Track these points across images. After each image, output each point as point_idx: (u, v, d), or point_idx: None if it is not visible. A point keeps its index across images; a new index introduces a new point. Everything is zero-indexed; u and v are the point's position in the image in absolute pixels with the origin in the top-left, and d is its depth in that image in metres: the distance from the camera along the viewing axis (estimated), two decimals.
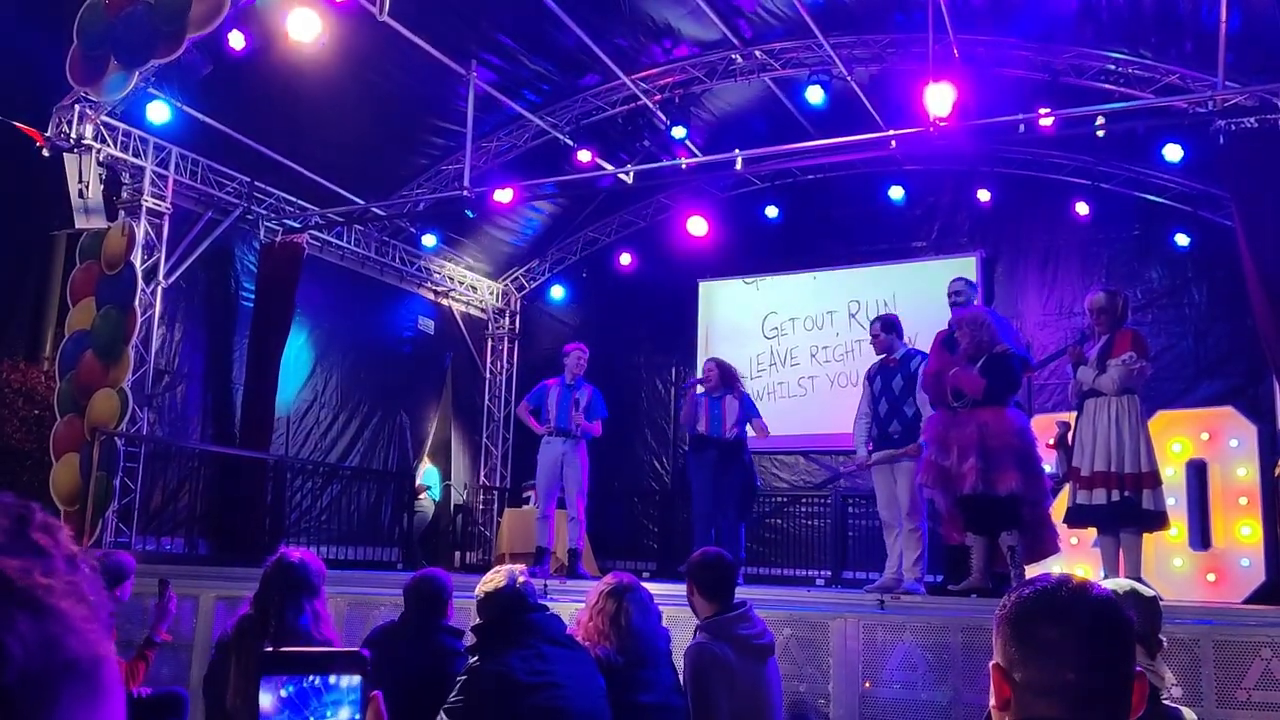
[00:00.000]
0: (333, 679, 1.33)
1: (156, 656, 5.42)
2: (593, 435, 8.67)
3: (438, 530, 12.74)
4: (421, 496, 11.97)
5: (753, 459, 8.45)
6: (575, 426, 8.50)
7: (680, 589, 4.51)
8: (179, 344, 10.19)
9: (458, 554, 13.00)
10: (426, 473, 12.40)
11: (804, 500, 12.04)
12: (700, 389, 8.43)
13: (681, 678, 4.09)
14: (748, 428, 8.29)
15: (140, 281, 9.36)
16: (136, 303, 9.24)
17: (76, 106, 8.93)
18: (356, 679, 1.36)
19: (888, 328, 7.29)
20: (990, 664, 1.49)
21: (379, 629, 4.51)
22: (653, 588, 4.40)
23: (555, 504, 8.69)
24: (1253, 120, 8.18)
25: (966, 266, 11.67)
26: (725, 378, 8.33)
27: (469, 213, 11.70)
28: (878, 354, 7.32)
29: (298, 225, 11.14)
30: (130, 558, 5.38)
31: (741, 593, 4.25)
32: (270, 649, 3.20)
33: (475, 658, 3.63)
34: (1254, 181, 7.98)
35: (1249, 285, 7.96)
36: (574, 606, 5.25)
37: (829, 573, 11.17)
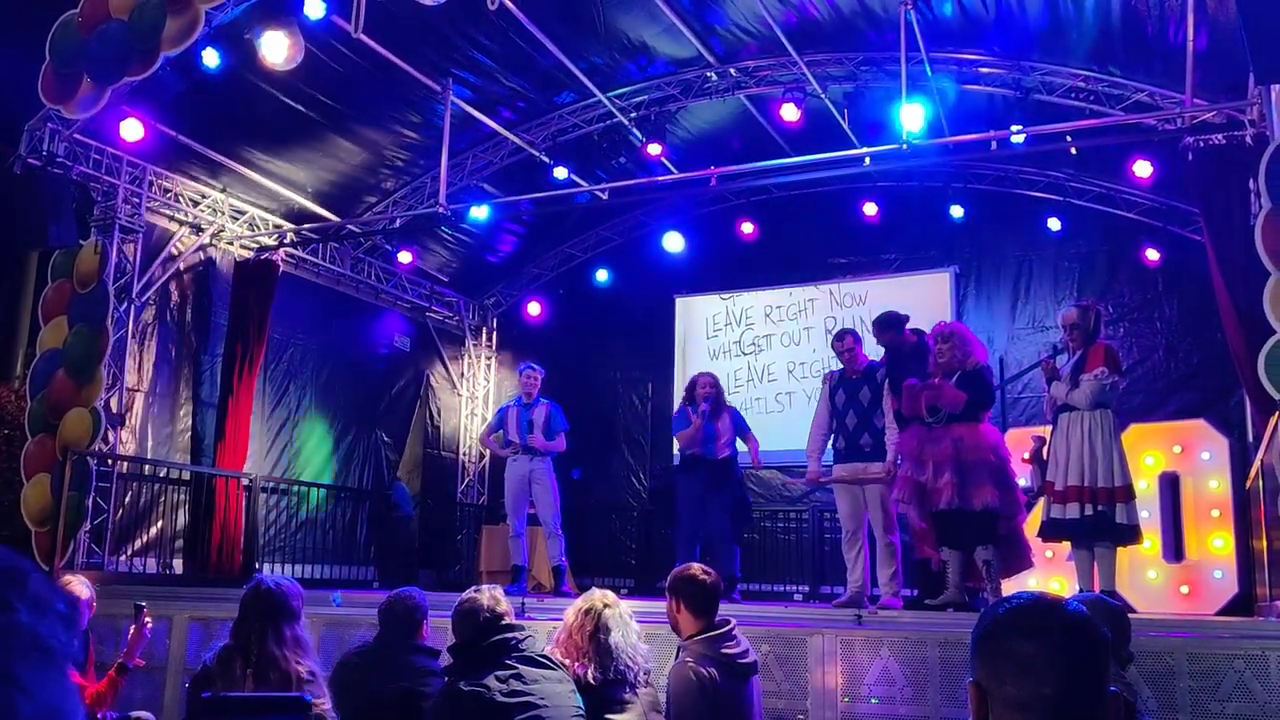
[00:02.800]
0: None
1: (129, 679, 5.36)
2: (556, 452, 8.65)
3: (414, 548, 12.67)
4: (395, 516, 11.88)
5: (743, 476, 8.30)
6: (535, 444, 8.50)
7: (659, 605, 4.51)
8: (152, 362, 10.12)
9: (435, 572, 12.93)
10: (398, 490, 12.32)
11: (781, 515, 12.05)
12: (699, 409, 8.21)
13: (662, 695, 4.07)
14: (738, 443, 8.13)
15: (113, 300, 9.29)
16: (109, 321, 9.17)
17: (48, 124, 8.88)
18: None
19: (859, 340, 7.32)
20: (968, 681, 1.50)
21: (354, 650, 4.48)
22: (631, 604, 4.39)
23: (526, 521, 8.67)
24: (1220, 137, 8.29)
25: (940, 282, 11.78)
26: (720, 395, 8.21)
27: (444, 230, 11.69)
28: (845, 367, 7.29)
29: (272, 242, 11.10)
30: (85, 584, 5.31)
31: (720, 609, 4.25)
32: (207, 696, 3.17)
33: (452, 678, 3.61)
34: (1222, 197, 8.07)
35: (1218, 300, 8.05)
36: (552, 625, 5.24)
37: (807, 587, 11.17)
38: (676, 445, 9.07)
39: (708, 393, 8.06)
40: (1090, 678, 1.44)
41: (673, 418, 8.67)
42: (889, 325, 7.28)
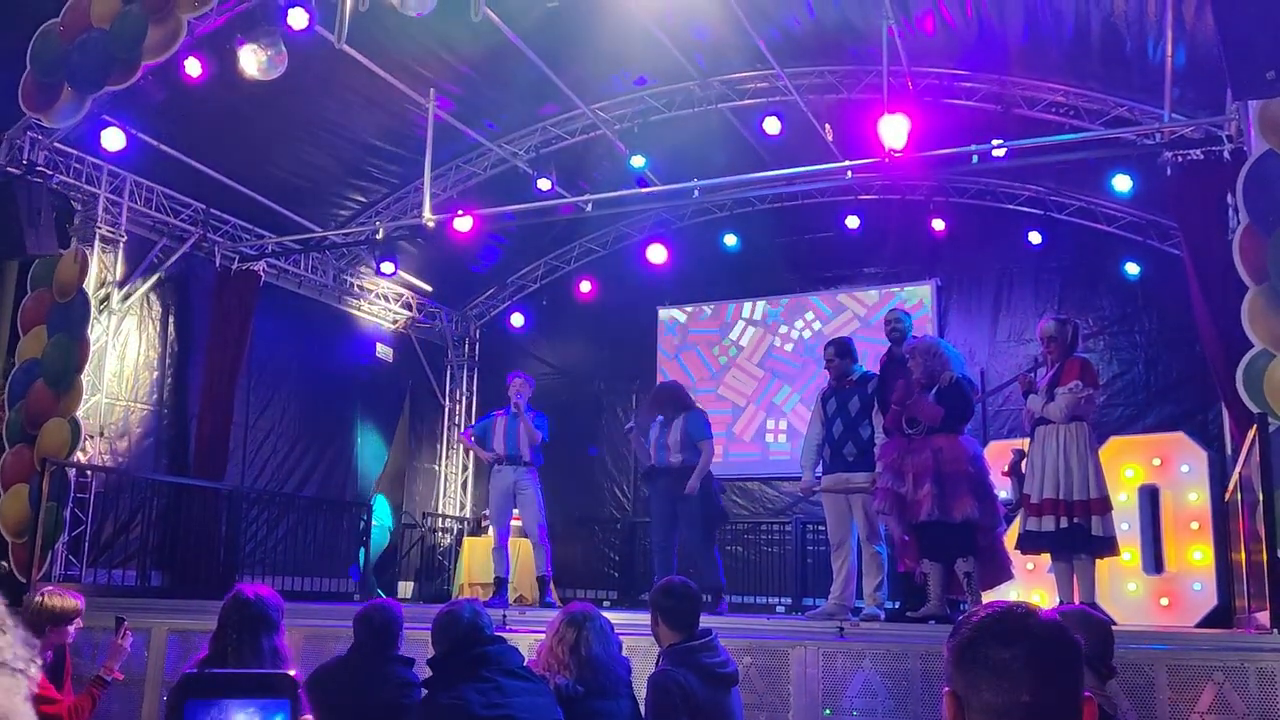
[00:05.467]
0: (260, 705, 1.33)
1: (106, 692, 5.30)
2: (535, 444, 8.50)
3: (395, 560, 12.62)
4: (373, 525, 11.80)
5: (716, 482, 8.04)
6: (524, 452, 8.44)
7: (642, 618, 4.50)
8: (132, 372, 10.06)
9: (415, 584, 12.88)
10: (376, 502, 12.26)
11: (764, 527, 12.05)
12: (644, 422, 8.17)
13: (643, 706, 4.06)
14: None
15: (93, 309, 9.24)
16: (89, 331, 9.11)
17: (29, 133, 8.84)
18: (285, 703, 1.36)
19: (842, 352, 7.27)
20: (944, 690, 1.51)
21: (330, 662, 4.45)
22: (614, 616, 4.38)
23: (509, 532, 8.61)
24: (1199, 152, 8.37)
25: (921, 294, 11.82)
26: (670, 401, 8.01)
27: (427, 241, 11.66)
28: (832, 378, 7.33)
29: (254, 253, 11.06)
30: (76, 597, 5.27)
31: (703, 621, 4.24)
32: (193, 671, 3.15)
33: (431, 690, 3.59)
34: (1200, 211, 8.14)
35: (1197, 313, 8.11)
36: (532, 638, 5.23)
37: (790, 600, 11.17)
38: None
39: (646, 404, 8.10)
40: (1066, 683, 1.45)
41: None
42: (903, 316, 7.34)
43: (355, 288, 12.66)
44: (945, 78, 9.83)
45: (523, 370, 8.98)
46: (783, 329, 12.62)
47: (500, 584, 8.48)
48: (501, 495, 8.51)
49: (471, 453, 13.86)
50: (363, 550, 11.55)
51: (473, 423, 13.42)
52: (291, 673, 1.94)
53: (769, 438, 12.42)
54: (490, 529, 8.79)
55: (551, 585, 8.60)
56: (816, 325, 12.37)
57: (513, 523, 8.78)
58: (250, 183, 10.57)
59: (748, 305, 12.86)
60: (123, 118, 9.05)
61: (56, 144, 9.04)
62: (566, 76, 10.20)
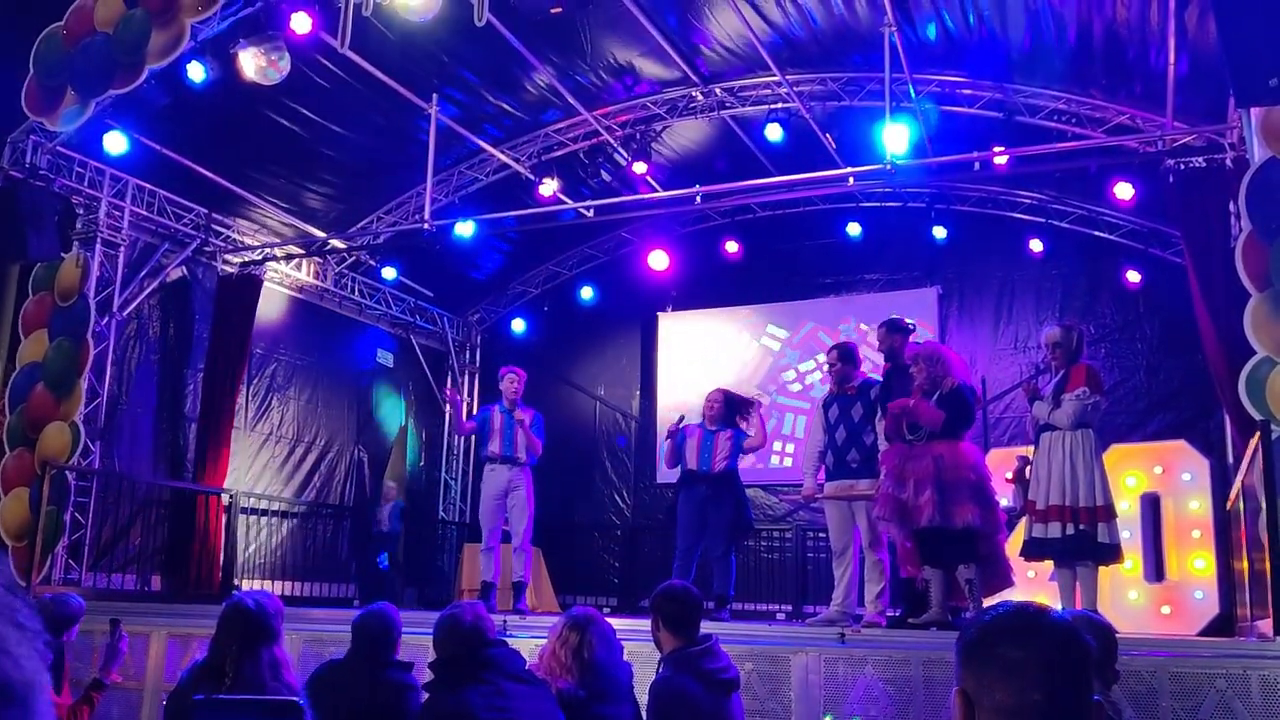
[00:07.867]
0: None
1: (106, 697, 5.29)
2: (536, 454, 8.38)
3: (396, 565, 12.59)
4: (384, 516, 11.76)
5: (745, 491, 8.05)
6: (521, 451, 8.28)
7: (643, 624, 4.49)
8: (133, 376, 10.06)
9: (417, 590, 12.85)
10: (394, 509, 12.20)
11: (764, 534, 12.03)
12: (699, 421, 8.02)
13: (645, 712, 4.05)
14: (739, 459, 7.92)
15: (94, 313, 9.24)
16: (90, 335, 9.12)
17: (31, 136, 8.84)
18: None
19: (845, 357, 7.24)
20: (954, 690, 1.50)
21: (326, 665, 4.43)
22: (614, 622, 4.37)
23: (499, 536, 8.36)
24: (1201, 160, 8.37)
25: (923, 301, 11.81)
26: (729, 410, 7.99)
27: (429, 246, 11.67)
28: (834, 383, 7.30)
29: (255, 257, 11.06)
30: (79, 599, 5.26)
31: (704, 627, 4.23)
32: (202, 697, 3.14)
33: (433, 694, 3.58)
34: (1202, 219, 8.14)
35: (1199, 321, 8.11)
36: (533, 642, 5.21)
37: (790, 607, 11.14)
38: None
39: (709, 406, 7.97)
40: (1077, 684, 1.45)
41: None
42: (894, 329, 7.25)
43: (356, 293, 12.66)
44: (947, 85, 9.83)
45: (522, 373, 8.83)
46: (782, 337, 12.57)
47: (488, 589, 8.18)
48: (495, 497, 8.32)
49: (473, 459, 13.86)
50: (385, 554, 11.51)
51: (472, 414, 13.37)
52: (296, 700, 1.93)
53: (769, 444, 12.39)
54: (481, 530, 8.58)
55: (527, 591, 8.41)
56: (817, 332, 12.35)
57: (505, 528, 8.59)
58: (252, 187, 10.57)
59: (748, 312, 12.82)
60: (126, 122, 9.06)
61: (59, 147, 9.05)
62: (569, 83, 10.22)
